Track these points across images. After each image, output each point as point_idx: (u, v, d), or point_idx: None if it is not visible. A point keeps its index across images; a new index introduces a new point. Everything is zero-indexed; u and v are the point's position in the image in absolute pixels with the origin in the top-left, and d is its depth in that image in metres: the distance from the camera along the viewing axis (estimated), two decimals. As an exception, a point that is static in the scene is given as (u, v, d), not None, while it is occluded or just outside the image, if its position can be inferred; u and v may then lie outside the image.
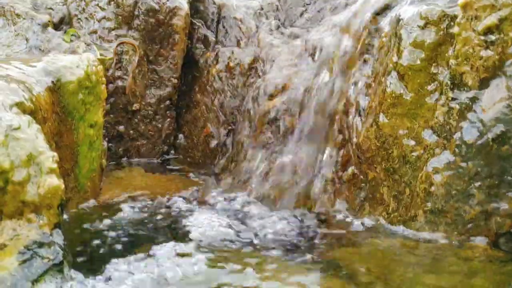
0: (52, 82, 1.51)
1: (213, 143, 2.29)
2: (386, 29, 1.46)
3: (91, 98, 1.69)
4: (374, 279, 1.13)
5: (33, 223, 1.02)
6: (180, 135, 2.44)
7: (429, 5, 1.33)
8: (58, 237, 1.03)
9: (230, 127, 2.30)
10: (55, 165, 1.06)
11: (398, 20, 1.40)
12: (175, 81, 2.34)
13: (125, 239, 1.38)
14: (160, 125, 2.36)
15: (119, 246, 1.33)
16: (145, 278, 1.12)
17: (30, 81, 1.41)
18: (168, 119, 2.37)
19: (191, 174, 2.19)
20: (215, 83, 2.33)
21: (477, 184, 1.24)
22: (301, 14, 2.44)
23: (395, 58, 1.38)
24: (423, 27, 1.31)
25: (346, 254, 1.27)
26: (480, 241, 1.25)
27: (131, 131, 2.28)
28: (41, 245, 0.99)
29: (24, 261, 0.95)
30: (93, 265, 1.18)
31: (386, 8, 1.58)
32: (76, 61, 1.64)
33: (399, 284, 1.10)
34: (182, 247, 1.28)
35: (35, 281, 0.93)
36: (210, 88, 2.34)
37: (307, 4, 2.43)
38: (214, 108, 2.33)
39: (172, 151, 2.44)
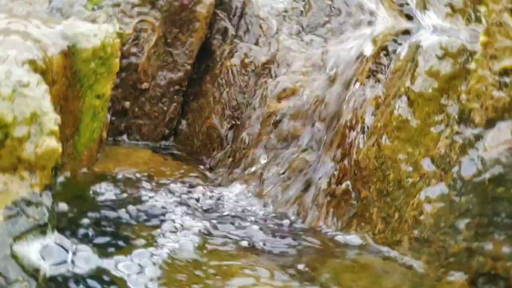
0: (68, 46, 1.51)
1: (214, 134, 2.31)
2: (403, 53, 1.47)
3: (103, 69, 1.70)
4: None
5: (25, 180, 1.03)
6: (183, 122, 2.44)
7: (450, 37, 1.34)
8: (47, 199, 1.04)
9: (233, 122, 2.31)
10: (56, 128, 1.07)
11: (418, 46, 1.40)
12: (188, 67, 2.35)
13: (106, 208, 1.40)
14: (165, 108, 2.37)
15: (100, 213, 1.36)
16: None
17: (46, 41, 1.41)
18: (174, 104, 2.37)
19: (187, 161, 2.21)
20: (227, 76, 2.34)
21: (466, 220, 1.24)
22: (324, 24, 2.44)
23: (408, 83, 1.38)
24: (441, 57, 1.31)
25: (327, 266, 1.28)
26: (459, 276, 1.25)
27: (136, 109, 2.29)
28: (29, 203, 1.00)
29: (9, 217, 0.96)
30: (76, 228, 1.20)
31: (406, 32, 1.59)
32: (94, 30, 1.65)
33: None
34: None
35: (17, 238, 0.93)
36: (221, 81, 2.35)
37: (331, 15, 2.44)
38: (222, 101, 2.34)
39: (172, 137, 2.46)
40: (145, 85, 2.21)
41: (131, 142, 2.23)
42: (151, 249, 1.19)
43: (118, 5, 2.13)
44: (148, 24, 2.14)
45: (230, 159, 2.11)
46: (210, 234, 1.36)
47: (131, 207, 1.40)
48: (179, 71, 2.29)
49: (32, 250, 0.95)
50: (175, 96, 2.32)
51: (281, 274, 1.20)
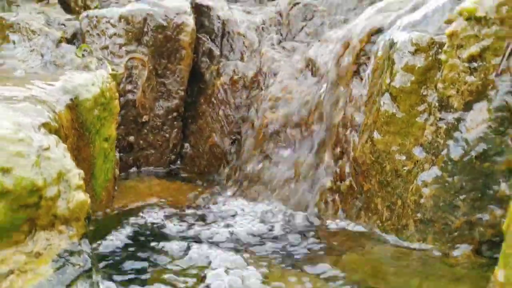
0: (71, 99, 1.62)
1: (218, 152, 2.42)
2: (380, 52, 1.58)
3: (105, 113, 1.81)
4: (366, 277, 1.26)
5: (63, 234, 1.14)
6: (186, 145, 2.56)
7: (420, 31, 1.46)
8: (86, 246, 1.15)
9: (234, 137, 2.43)
10: (81, 182, 1.18)
11: (391, 44, 1.52)
12: (182, 93, 2.46)
13: (138, 245, 1.51)
14: (167, 135, 2.48)
15: (134, 251, 1.46)
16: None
17: (51, 100, 1.52)
18: (175, 130, 2.49)
19: (197, 182, 2.32)
20: (220, 95, 2.45)
21: (462, 197, 1.36)
22: (302, 29, 2.56)
23: (388, 80, 1.50)
24: (414, 53, 1.43)
25: (342, 257, 1.39)
26: (464, 248, 1.37)
27: (141, 141, 2.41)
28: (71, 253, 1.12)
29: (58, 268, 1.07)
30: (117, 270, 1.31)
31: (379, 31, 1.70)
32: (91, 79, 1.76)
33: (388, 285, 1.22)
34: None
35: (69, 285, 1.05)
36: (215, 100, 2.46)
37: (307, 20, 2.55)
38: (219, 119, 2.46)
39: (179, 160, 2.57)
40: (145, 118, 2.32)
41: (141, 173, 2.34)
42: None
43: (106, 47, 2.24)
44: (137, 60, 2.25)
45: (237, 172, 2.23)
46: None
47: (156, 243, 1.49)
48: (174, 99, 2.40)
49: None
50: (174, 123, 2.43)
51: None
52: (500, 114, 1.27)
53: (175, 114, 2.40)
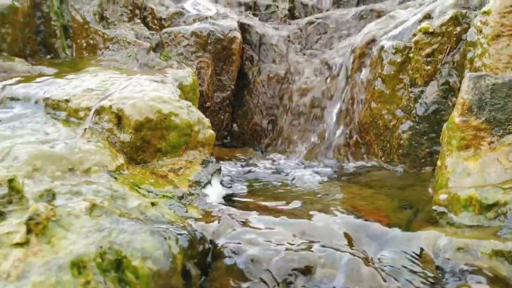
0: (179, 84, 2.53)
1: (258, 129, 3.33)
2: (375, 53, 2.51)
3: (194, 95, 2.72)
4: (372, 185, 2.16)
5: (201, 152, 2.05)
6: (234, 125, 3.46)
7: (398, 41, 2.39)
8: (213, 159, 2.05)
9: (270, 118, 3.34)
10: (209, 124, 2.08)
11: (381, 49, 2.45)
12: (232, 87, 3.37)
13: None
14: (222, 117, 3.37)
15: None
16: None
17: (170, 82, 2.44)
18: (227, 113, 3.38)
19: (245, 148, 3.22)
20: (259, 88, 3.37)
21: (425, 137, 2.28)
22: (317, 41, 3.50)
23: (379, 70, 2.43)
24: (394, 53, 2.36)
25: (355, 177, 2.30)
26: (428, 168, 2.28)
27: (205, 120, 3.32)
28: (207, 161, 2.01)
29: (203, 167, 1.97)
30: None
31: (373, 40, 2.63)
32: (187, 73, 2.68)
33: (385, 185, 2.13)
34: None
35: (211, 175, 1.94)
36: (256, 92, 3.38)
37: (321, 34, 3.49)
38: (259, 105, 3.37)
39: (229, 137, 3.47)
40: (208, 104, 3.22)
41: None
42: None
43: (181, 54, 3.16)
44: (204, 63, 3.16)
45: (274, 142, 3.14)
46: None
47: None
48: (227, 91, 3.31)
49: (217, 180, 1.95)
50: (227, 108, 3.33)
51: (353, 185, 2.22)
52: (444, 87, 2.20)
53: (227, 102, 3.30)
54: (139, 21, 3.40)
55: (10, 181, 1.41)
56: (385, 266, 1.32)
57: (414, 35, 2.29)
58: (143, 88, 2.07)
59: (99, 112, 1.92)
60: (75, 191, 1.51)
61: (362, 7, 3.37)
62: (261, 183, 2.22)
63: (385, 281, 1.24)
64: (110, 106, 1.90)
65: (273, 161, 2.76)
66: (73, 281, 1.07)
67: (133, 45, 3.20)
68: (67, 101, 2.01)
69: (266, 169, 2.53)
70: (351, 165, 2.53)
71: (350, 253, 1.35)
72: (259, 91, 3.32)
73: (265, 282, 1.28)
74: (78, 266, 1.12)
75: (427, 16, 2.28)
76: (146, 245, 1.22)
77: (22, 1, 3.19)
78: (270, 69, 3.31)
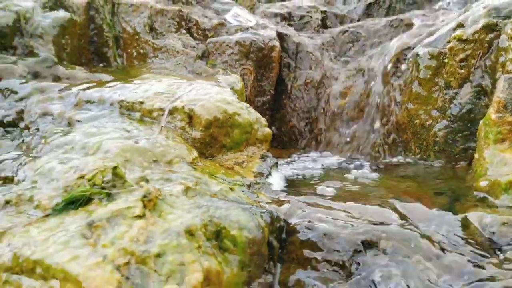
0: (231, 88, 2.78)
1: (296, 131, 3.56)
2: (410, 59, 2.74)
3: (242, 99, 2.97)
4: (411, 178, 2.38)
5: (259, 148, 2.29)
6: (273, 127, 3.70)
7: (433, 47, 2.61)
8: (270, 154, 2.29)
9: (307, 121, 3.57)
10: (266, 123, 2.33)
11: (417, 55, 2.67)
12: (272, 92, 3.61)
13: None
14: (262, 120, 3.63)
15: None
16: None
17: (225, 87, 2.69)
18: (267, 116, 3.62)
19: (284, 148, 3.46)
20: (296, 93, 3.62)
21: (460, 135, 2.49)
22: (350, 48, 3.74)
23: (415, 74, 2.65)
24: (430, 58, 2.58)
25: (394, 171, 2.52)
26: (463, 163, 2.49)
27: (248, 123, 3.56)
28: (265, 156, 2.25)
29: (263, 161, 2.21)
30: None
31: (409, 48, 2.86)
32: (236, 79, 2.94)
33: (424, 177, 2.34)
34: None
35: (270, 167, 2.18)
36: (293, 97, 3.62)
37: (353, 42, 3.73)
38: (296, 109, 3.61)
39: (268, 138, 3.71)
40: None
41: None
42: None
43: (226, 62, 3.42)
44: (247, 70, 3.41)
45: (312, 142, 3.37)
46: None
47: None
48: (267, 95, 3.56)
49: (275, 172, 2.19)
50: (266, 111, 3.57)
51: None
52: (476, 89, 2.42)
53: (267, 105, 3.55)
54: (184, 31, 3.67)
55: (114, 168, 1.66)
56: (439, 240, 1.54)
57: (449, 42, 2.51)
58: (207, 91, 2.32)
59: (171, 112, 2.18)
60: (166, 178, 1.76)
61: (393, 17, 3.61)
62: (309, 176, 2.45)
63: (443, 250, 1.46)
64: (183, 107, 2.15)
65: (314, 159, 2.99)
66: (189, 245, 1.31)
67: (181, 54, 3.47)
68: (141, 103, 2.27)
69: (309, 165, 2.77)
70: (389, 161, 2.75)
71: (408, 228, 1.57)
72: (296, 96, 3.57)
73: (337, 251, 1.51)
74: (190, 233, 1.37)
75: (460, 25, 2.51)
76: (241, 219, 1.46)
77: (79, 14, 3.49)
78: (307, 75, 3.55)
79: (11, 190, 1.84)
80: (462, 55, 2.43)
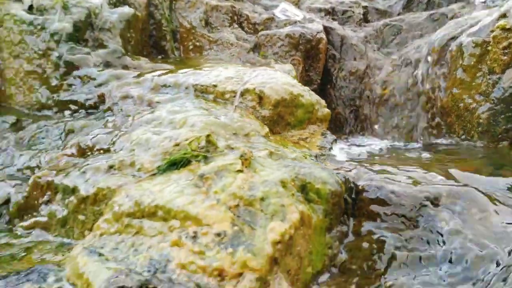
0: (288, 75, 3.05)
1: (341, 118, 3.81)
2: (455, 48, 2.95)
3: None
4: (459, 154, 2.60)
5: (320, 126, 2.55)
6: (319, 114, 3.95)
7: (477, 37, 2.82)
8: (329, 132, 2.54)
9: (352, 108, 3.81)
10: (325, 104, 2.58)
11: (461, 44, 2.89)
12: (319, 81, 3.86)
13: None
14: (309, 107, 3.89)
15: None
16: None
17: (284, 74, 2.95)
18: (314, 104, 3.88)
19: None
20: (341, 82, 3.86)
21: (502, 116, 2.70)
22: (392, 40, 3.96)
23: (460, 61, 2.87)
24: (474, 47, 2.80)
25: (442, 150, 2.74)
26: (506, 143, 2.70)
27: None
28: (325, 133, 2.51)
29: (324, 137, 2.46)
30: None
31: (452, 38, 3.07)
32: (291, 67, 3.21)
33: (469, 154, 2.56)
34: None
35: (331, 143, 2.43)
36: (338, 86, 3.86)
37: (395, 34, 3.95)
38: (341, 97, 3.85)
39: (314, 124, 3.97)
40: (299, 95, 3.74)
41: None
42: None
43: (276, 53, 3.68)
44: (296, 60, 3.67)
45: (358, 127, 3.61)
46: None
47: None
48: (314, 84, 3.80)
49: (336, 147, 2.45)
50: (313, 100, 3.83)
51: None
52: (520, 73, 2.63)
53: (314, 94, 3.80)
54: (236, 26, 3.95)
55: (207, 136, 1.95)
56: (493, 197, 1.78)
57: (492, 31, 2.72)
58: (272, 76, 2.59)
59: (243, 93, 2.46)
60: (248, 146, 2.04)
61: (433, 11, 3.82)
62: (364, 155, 2.70)
63: (499, 203, 1.70)
64: (254, 88, 2.43)
65: (360, 143, 3.23)
66: (285, 192, 1.58)
67: (235, 46, 3.75)
68: (214, 86, 2.56)
69: (358, 148, 3.01)
70: (434, 143, 2.97)
71: (465, 187, 1.81)
72: (341, 85, 3.81)
73: (403, 206, 1.76)
74: (283, 185, 1.63)
75: (503, 15, 2.72)
76: (323, 175, 1.72)
77: (141, 10, 3.81)
78: (351, 66, 3.79)
79: (112, 158, 2.14)
80: (505, 43, 2.64)
